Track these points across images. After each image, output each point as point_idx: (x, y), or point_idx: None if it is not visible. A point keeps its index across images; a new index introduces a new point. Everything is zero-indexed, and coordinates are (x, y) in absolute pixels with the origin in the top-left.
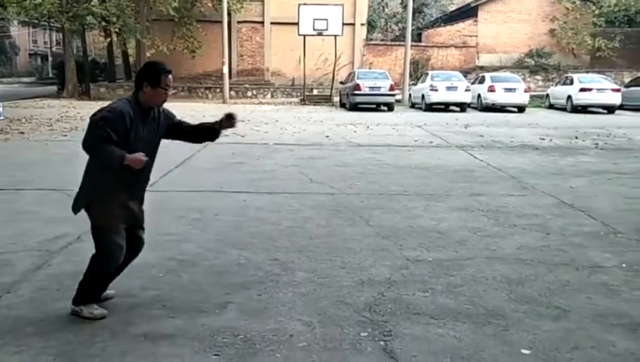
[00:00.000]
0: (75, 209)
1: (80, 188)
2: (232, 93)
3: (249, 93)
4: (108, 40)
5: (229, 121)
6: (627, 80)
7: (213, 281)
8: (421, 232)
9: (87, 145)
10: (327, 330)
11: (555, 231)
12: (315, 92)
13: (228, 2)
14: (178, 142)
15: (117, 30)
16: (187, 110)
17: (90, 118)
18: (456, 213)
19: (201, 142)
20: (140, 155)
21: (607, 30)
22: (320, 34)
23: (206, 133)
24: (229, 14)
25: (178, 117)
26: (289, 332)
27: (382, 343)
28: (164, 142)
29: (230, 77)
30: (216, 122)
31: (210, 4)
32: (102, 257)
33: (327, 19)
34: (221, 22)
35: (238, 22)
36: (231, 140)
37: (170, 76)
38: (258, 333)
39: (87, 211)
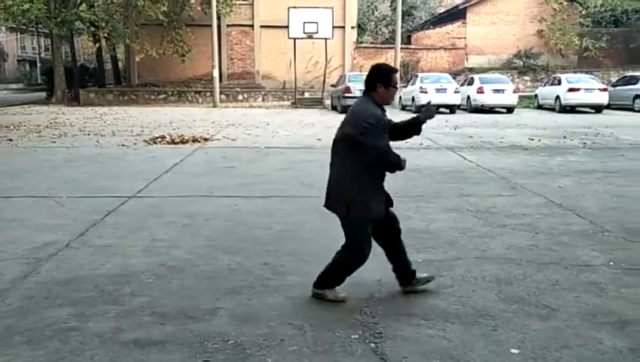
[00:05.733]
0: (339, 208)
1: (339, 187)
2: (223, 96)
3: (240, 97)
4: (97, 45)
5: (428, 111)
6: (614, 79)
7: (203, 287)
8: (411, 233)
9: (379, 153)
10: (318, 333)
11: (543, 231)
12: (306, 95)
13: (217, 6)
14: (170, 147)
15: (106, 35)
16: (178, 115)
17: (361, 123)
18: (446, 213)
19: (407, 139)
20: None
21: (593, 30)
22: (310, 37)
23: (410, 129)
24: (218, 18)
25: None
26: (280, 336)
27: (372, 345)
28: (149, 149)
29: (220, 80)
30: (415, 117)
31: (199, 8)
32: (354, 250)
33: (317, 23)
34: (210, 26)
35: (228, 25)
36: (222, 144)
37: (397, 75)
38: (248, 338)
39: (348, 208)
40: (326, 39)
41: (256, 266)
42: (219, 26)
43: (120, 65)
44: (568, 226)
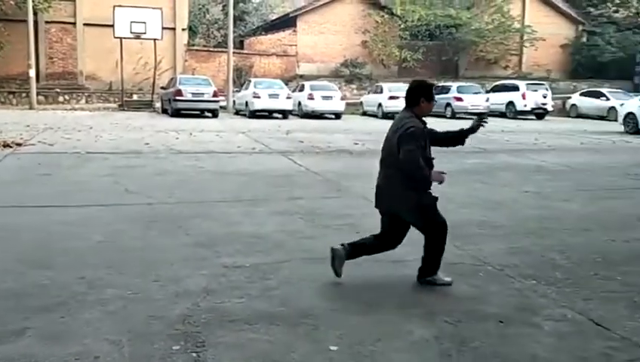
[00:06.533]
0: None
1: (400, 187)
2: (41, 98)
3: (60, 98)
4: None
5: (479, 123)
6: None
7: (9, 306)
8: (240, 238)
9: (410, 157)
10: (137, 348)
11: (364, 230)
12: (134, 97)
13: (33, 1)
14: None
15: None
16: None
17: (403, 133)
18: (275, 217)
19: (451, 147)
20: (442, 176)
21: (411, 43)
22: (138, 37)
23: (455, 139)
24: (35, 14)
25: None
26: (94, 353)
27: (194, 354)
28: None
29: (38, 81)
30: (466, 129)
31: (12, 2)
32: (439, 230)
33: (145, 23)
34: (26, 21)
35: (47, 22)
36: (37, 150)
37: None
38: (58, 358)
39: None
40: (155, 40)
41: (71, 280)
42: (36, 22)
43: None
44: None
